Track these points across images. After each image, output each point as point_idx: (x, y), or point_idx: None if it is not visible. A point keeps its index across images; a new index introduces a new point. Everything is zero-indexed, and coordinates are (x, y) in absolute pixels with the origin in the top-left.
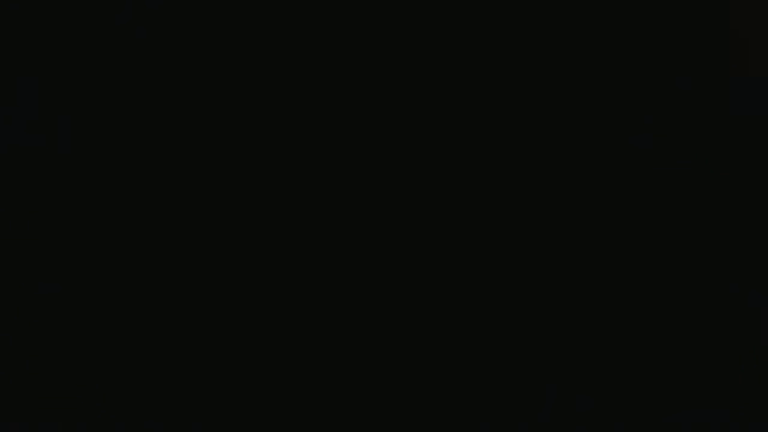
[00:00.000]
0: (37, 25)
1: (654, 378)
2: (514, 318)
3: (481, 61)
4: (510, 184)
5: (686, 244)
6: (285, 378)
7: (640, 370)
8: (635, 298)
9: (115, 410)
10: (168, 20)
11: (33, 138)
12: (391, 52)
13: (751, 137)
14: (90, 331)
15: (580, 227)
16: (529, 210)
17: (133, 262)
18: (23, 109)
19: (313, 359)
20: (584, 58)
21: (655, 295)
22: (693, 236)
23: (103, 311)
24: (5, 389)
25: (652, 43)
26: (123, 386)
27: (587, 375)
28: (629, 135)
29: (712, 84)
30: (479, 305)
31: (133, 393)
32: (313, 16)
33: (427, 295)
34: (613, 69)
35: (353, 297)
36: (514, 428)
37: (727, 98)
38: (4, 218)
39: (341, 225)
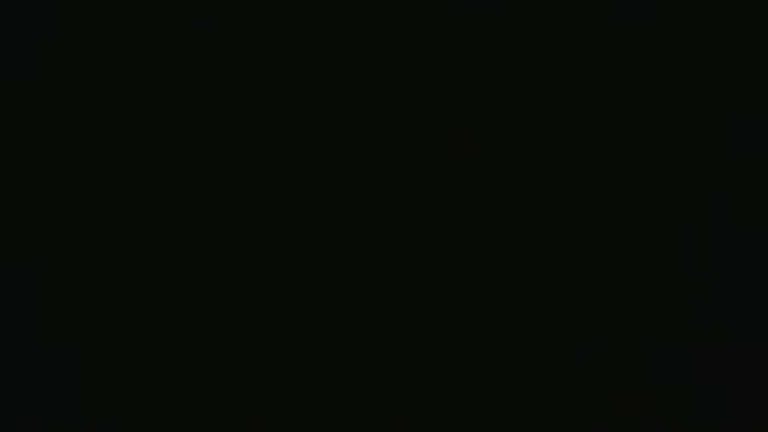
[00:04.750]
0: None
1: None
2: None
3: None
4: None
5: None
6: (285, 377)
7: None
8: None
9: (113, 410)
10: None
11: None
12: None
13: None
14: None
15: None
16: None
17: (131, 262)
18: None
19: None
20: None
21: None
22: None
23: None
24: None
25: None
26: (121, 386)
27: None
28: None
29: None
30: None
31: (130, 392)
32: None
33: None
34: None
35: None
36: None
37: None
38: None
39: (343, 227)
